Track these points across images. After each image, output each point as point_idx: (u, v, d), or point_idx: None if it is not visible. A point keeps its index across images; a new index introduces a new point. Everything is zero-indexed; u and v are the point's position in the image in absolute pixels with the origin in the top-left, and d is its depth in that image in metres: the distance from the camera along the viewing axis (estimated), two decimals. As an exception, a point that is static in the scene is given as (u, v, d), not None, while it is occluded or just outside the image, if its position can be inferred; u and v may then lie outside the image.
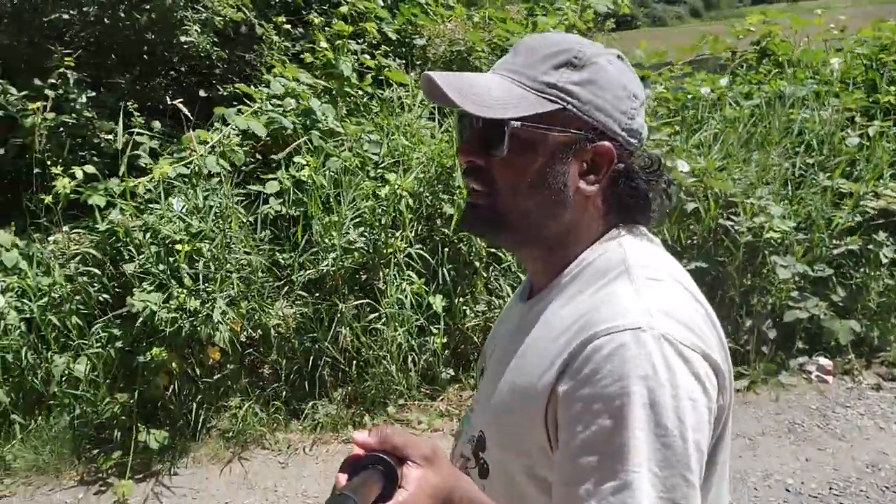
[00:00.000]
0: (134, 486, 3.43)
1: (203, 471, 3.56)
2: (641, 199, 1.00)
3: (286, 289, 3.90)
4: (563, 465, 0.85)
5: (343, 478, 0.76)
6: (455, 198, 3.93)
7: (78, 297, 3.83)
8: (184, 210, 3.90)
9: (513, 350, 1.00)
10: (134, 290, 3.63)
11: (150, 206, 4.00)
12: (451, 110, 1.01)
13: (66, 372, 3.69)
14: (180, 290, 3.54)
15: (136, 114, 4.36)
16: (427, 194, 4.00)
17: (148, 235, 3.77)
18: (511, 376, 0.97)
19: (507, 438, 0.97)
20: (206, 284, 3.59)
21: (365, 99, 4.86)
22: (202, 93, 5.61)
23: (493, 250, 4.06)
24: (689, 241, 4.00)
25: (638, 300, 0.87)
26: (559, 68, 0.93)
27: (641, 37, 10.36)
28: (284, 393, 3.81)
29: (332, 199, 3.96)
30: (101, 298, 3.83)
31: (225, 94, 5.49)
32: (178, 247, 3.57)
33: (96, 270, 3.85)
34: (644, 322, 0.84)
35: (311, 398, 3.85)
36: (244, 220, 3.82)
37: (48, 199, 4.00)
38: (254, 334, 3.78)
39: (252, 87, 4.69)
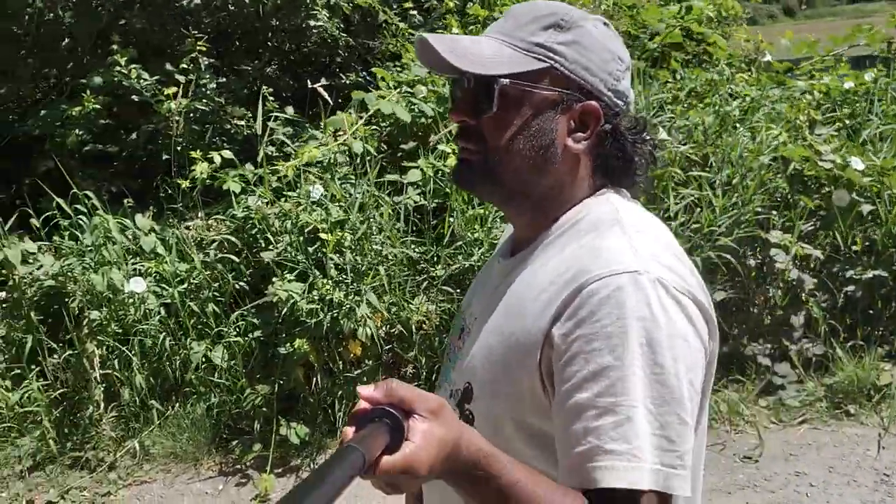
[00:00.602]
0: (275, 480, 3.35)
1: (343, 469, 3.44)
2: (627, 160, 1.03)
3: (425, 283, 3.76)
4: (561, 405, 0.86)
5: (350, 431, 0.75)
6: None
7: (216, 284, 3.78)
8: (322, 197, 3.79)
9: (499, 302, 1.02)
10: (274, 279, 3.55)
11: (286, 193, 3.92)
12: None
13: (203, 360, 3.64)
14: (325, 280, 3.42)
15: (270, 99, 4.28)
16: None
17: (288, 223, 3.68)
18: (499, 326, 1.00)
19: (497, 386, 0.97)
20: (352, 276, 3.46)
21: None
22: (324, 80, 5.53)
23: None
24: (865, 247, 3.68)
25: (631, 247, 0.90)
26: (546, 29, 0.97)
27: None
28: (424, 392, 3.65)
29: (474, 191, 3.78)
30: (237, 286, 3.76)
31: (347, 81, 5.40)
32: (324, 236, 3.46)
33: (234, 257, 3.78)
34: (640, 266, 0.87)
35: (450, 398, 3.69)
36: (391, 211, 3.68)
37: (185, 183, 3.97)
38: (393, 330, 3.64)
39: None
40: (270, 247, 3.72)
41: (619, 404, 0.82)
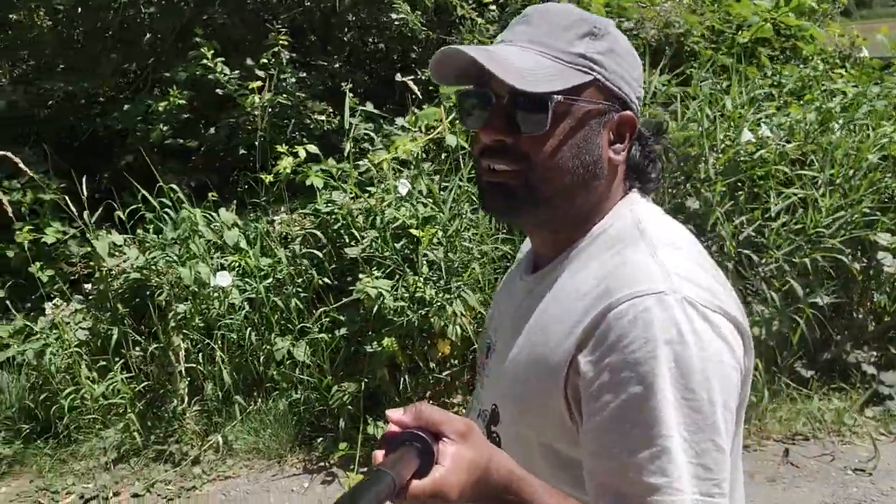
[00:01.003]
0: (363, 480, 3.28)
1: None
2: (651, 162, 1.02)
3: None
4: (593, 436, 0.83)
5: (381, 454, 0.76)
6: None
7: (300, 280, 3.74)
8: (408, 193, 3.72)
9: (524, 322, 0.99)
10: (360, 275, 3.49)
11: (367, 188, 3.87)
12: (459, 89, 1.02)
13: (287, 356, 3.61)
14: (416, 277, 3.35)
15: (350, 94, 4.24)
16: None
17: (377, 219, 3.62)
18: (525, 347, 0.96)
19: (523, 408, 0.95)
20: (443, 273, 3.39)
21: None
22: (398, 77, 5.48)
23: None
24: None
25: (657, 265, 0.87)
26: (583, 38, 0.92)
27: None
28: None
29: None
30: (321, 282, 3.72)
31: (423, 77, 5.34)
32: (416, 232, 3.39)
33: (318, 253, 3.74)
34: (666, 286, 0.83)
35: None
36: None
37: (268, 178, 3.95)
38: (481, 329, 3.55)
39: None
40: (354, 242, 3.67)
41: (655, 436, 0.79)
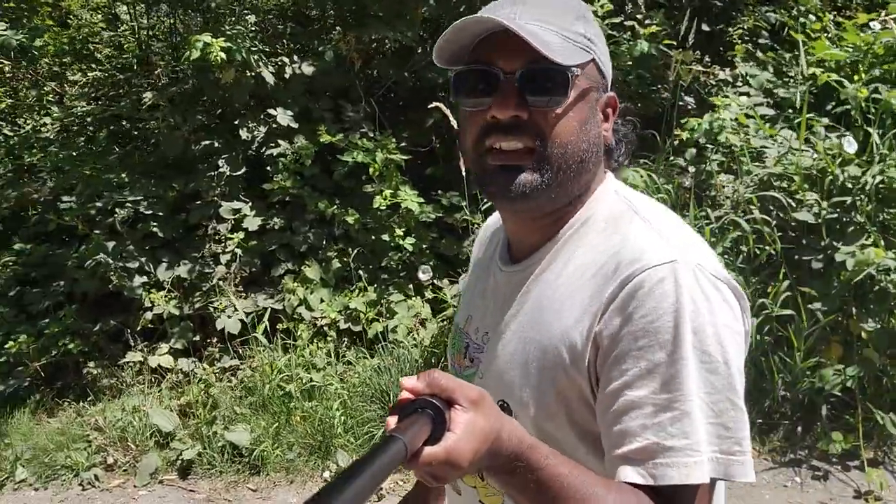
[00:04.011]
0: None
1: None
2: (625, 142, 1.04)
3: None
4: (612, 401, 0.84)
5: (393, 420, 0.75)
6: None
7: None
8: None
9: (518, 312, 0.98)
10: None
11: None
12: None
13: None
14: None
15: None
16: None
17: (836, 181, 3.18)
18: (531, 337, 0.94)
19: (539, 396, 0.93)
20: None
21: None
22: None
23: None
24: None
25: (660, 237, 0.88)
26: (578, 20, 0.93)
27: None
28: None
29: None
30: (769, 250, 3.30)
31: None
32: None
33: (766, 217, 3.31)
34: (677, 255, 0.84)
35: None
36: None
37: (683, 134, 3.52)
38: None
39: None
40: (798, 206, 3.25)
41: (675, 399, 0.80)
